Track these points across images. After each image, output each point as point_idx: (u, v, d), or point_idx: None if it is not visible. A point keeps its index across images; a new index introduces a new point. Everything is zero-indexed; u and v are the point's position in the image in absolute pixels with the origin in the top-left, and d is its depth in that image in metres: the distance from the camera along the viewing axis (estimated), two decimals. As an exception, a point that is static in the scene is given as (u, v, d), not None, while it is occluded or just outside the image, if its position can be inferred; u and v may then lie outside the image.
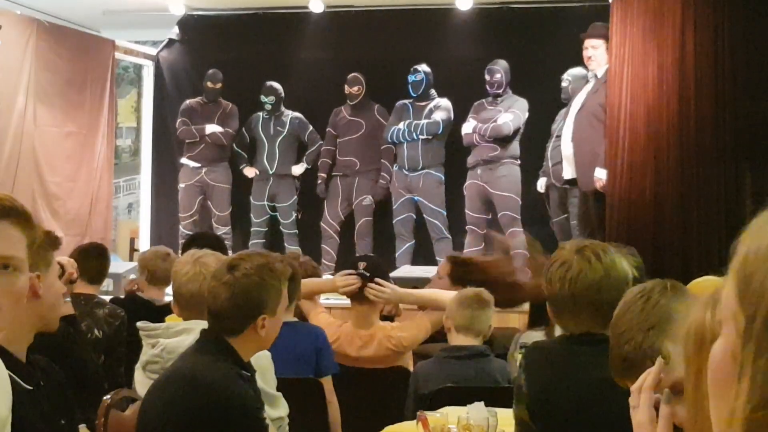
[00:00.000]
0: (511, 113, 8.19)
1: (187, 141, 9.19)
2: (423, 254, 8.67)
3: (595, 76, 7.52)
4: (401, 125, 8.61)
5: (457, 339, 3.92)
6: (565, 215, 7.84)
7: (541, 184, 8.08)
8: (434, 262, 8.13)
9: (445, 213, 8.60)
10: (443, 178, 8.64)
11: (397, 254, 8.64)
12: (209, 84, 9.24)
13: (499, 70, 8.32)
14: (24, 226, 1.83)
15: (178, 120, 9.28)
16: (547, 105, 8.18)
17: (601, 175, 7.20)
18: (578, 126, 7.41)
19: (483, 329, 3.95)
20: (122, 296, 6.03)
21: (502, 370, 3.86)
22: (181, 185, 9.25)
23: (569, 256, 2.49)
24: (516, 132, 8.22)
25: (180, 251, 6.53)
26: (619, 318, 1.98)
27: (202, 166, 9.16)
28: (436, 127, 8.51)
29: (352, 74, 8.91)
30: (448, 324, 3.98)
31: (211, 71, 9.28)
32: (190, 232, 8.75)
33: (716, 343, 0.94)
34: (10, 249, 1.79)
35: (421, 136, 8.52)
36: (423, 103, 8.66)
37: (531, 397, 2.47)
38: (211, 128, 9.10)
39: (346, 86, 8.92)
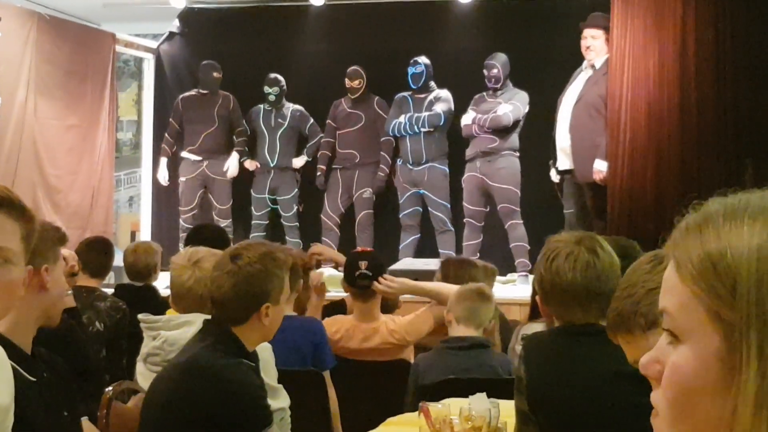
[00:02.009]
0: (511, 104, 8.15)
1: (175, 138, 9.29)
2: (426, 247, 8.67)
3: (593, 66, 7.49)
4: (402, 119, 8.59)
5: (457, 330, 3.92)
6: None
7: (554, 175, 7.96)
8: (437, 255, 8.13)
9: (449, 205, 8.59)
10: (447, 170, 8.63)
11: (400, 246, 8.64)
12: (215, 74, 9.22)
13: (496, 65, 8.28)
14: (18, 218, 1.81)
15: (171, 118, 9.38)
16: (547, 97, 8.15)
17: (600, 167, 7.17)
18: (576, 117, 7.39)
19: (483, 321, 3.96)
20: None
21: (502, 362, 3.87)
22: (182, 179, 9.25)
23: (573, 248, 2.48)
24: (516, 124, 8.19)
25: (183, 243, 6.56)
26: (626, 276, 1.98)
27: (203, 159, 9.17)
28: (438, 119, 8.49)
29: (353, 68, 8.89)
30: (449, 317, 3.98)
31: (210, 62, 9.26)
32: (191, 226, 8.78)
33: (676, 355, 0.93)
34: (3, 240, 1.77)
35: (423, 129, 8.49)
36: (422, 95, 8.64)
37: (531, 388, 2.48)
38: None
39: (346, 80, 8.90)
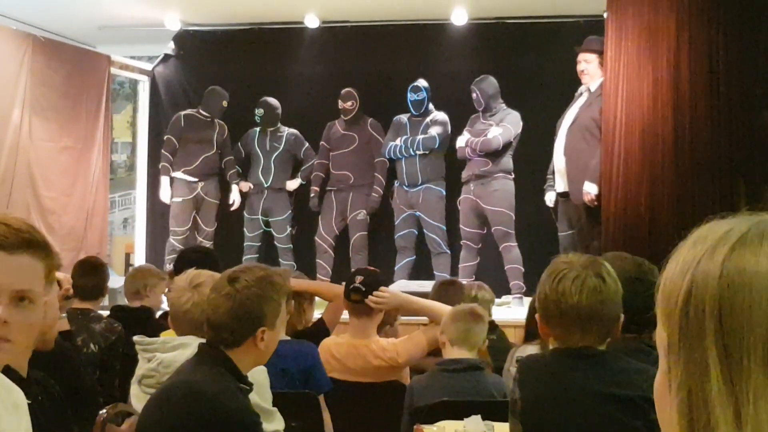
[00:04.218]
0: (501, 127, 8.18)
1: (174, 155, 9.21)
2: (421, 269, 8.66)
3: (588, 90, 7.52)
4: (398, 141, 8.61)
5: (451, 352, 3.91)
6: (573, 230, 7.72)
7: (549, 199, 7.91)
8: (432, 277, 8.12)
9: (444, 228, 8.59)
10: (444, 192, 8.64)
11: (395, 268, 8.63)
12: (224, 103, 9.24)
13: (474, 89, 8.33)
14: (43, 257, 1.82)
15: (166, 137, 9.28)
16: (541, 119, 8.18)
17: (589, 189, 7.17)
18: (570, 140, 7.41)
19: (477, 342, 3.95)
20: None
21: (497, 384, 3.86)
22: (178, 200, 9.20)
23: (581, 271, 2.48)
24: (507, 146, 8.20)
25: (172, 266, 6.54)
26: None
27: (199, 180, 9.17)
28: (433, 142, 8.51)
29: (346, 89, 8.92)
30: (443, 339, 3.97)
31: (219, 89, 9.26)
32: (181, 246, 8.81)
33: (656, 377, 0.98)
34: (29, 282, 1.79)
35: (418, 152, 8.51)
36: (420, 118, 8.66)
37: (525, 411, 2.47)
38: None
39: (339, 101, 8.93)
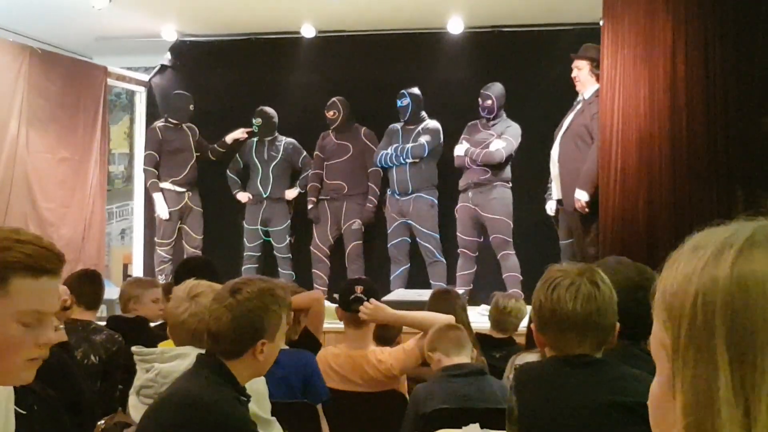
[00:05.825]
0: (504, 140, 8.17)
1: (157, 169, 9.20)
2: (417, 277, 8.65)
3: (583, 97, 7.53)
4: (389, 150, 8.62)
5: (451, 360, 3.91)
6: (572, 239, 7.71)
7: (550, 208, 7.86)
8: (428, 286, 8.11)
9: (438, 236, 8.58)
10: (435, 200, 8.63)
11: (391, 277, 8.63)
12: (191, 107, 9.29)
13: (491, 96, 8.31)
14: (60, 274, 1.86)
15: (147, 152, 9.27)
16: (537, 127, 8.18)
17: (579, 196, 7.17)
18: (564, 147, 7.42)
19: (469, 348, 3.97)
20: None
21: (501, 389, 3.85)
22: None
23: (575, 278, 2.48)
24: (508, 159, 8.21)
25: (173, 275, 6.55)
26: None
27: (187, 190, 9.19)
28: (422, 150, 8.50)
29: (331, 100, 8.94)
30: (437, 356, 3.94)
31: (184, 93, 9.33)
32: (170, 257, 8.83)
33: (653, 384, 0.97)
34: (57, 305, 1.83)
35: (408, 160, 8.52)
36: (412, 126, 8.67)
37: (522, 419, 2.46)
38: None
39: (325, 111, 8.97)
